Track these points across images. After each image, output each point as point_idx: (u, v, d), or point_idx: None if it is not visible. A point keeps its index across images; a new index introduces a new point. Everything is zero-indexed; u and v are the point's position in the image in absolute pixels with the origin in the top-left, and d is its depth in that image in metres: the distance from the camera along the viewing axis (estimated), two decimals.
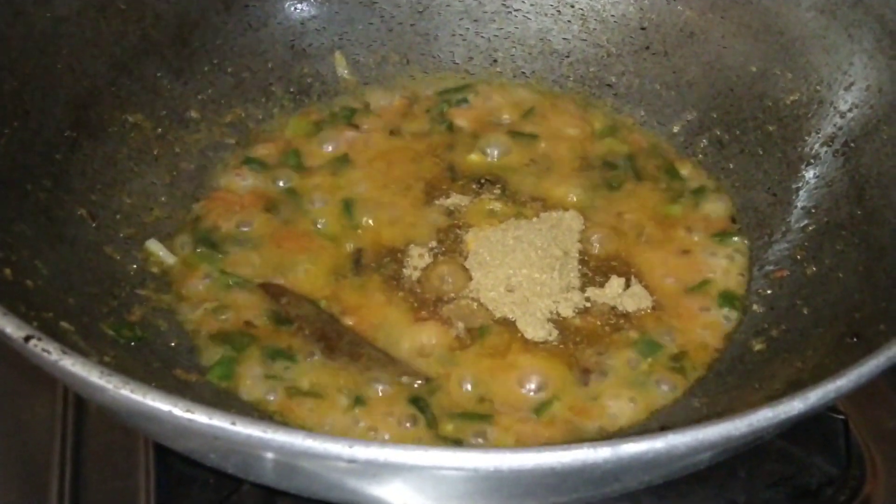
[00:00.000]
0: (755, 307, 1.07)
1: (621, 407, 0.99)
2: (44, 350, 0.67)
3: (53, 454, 1.03)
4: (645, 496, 0.99)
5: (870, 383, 0.74)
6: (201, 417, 0.64)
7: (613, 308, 1.07)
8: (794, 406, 0.69)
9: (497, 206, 1.17)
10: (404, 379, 0.99)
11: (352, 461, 0.63)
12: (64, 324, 0.88)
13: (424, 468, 0.64)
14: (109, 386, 0.65)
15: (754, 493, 1.02)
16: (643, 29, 1.29)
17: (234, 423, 0.63)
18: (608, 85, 1.30)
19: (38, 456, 1.03)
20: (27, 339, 0.68)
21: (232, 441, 0.64)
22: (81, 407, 1.07)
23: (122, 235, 1.07)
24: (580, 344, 1.04)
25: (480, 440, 0.95)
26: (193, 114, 1.20)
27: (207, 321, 1.03)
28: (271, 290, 1.07)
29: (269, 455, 0.67)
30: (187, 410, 0.64)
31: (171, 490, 1.00)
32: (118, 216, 1.08)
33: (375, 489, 0.73)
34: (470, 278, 1.08)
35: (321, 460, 0.64)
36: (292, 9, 1.29)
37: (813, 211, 1.11)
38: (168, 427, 0.67)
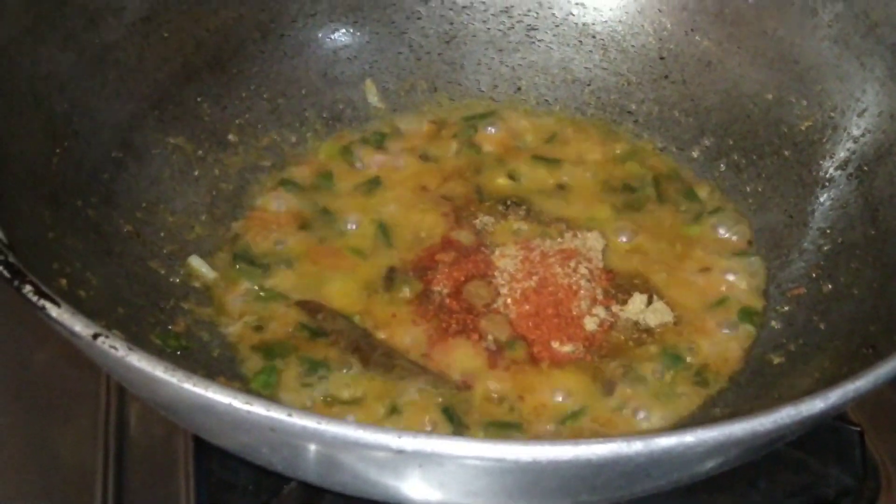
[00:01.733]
0: (773, 323, 1.11)
1: (645, 417, 1.02)
2: (111, 347, 0.71)
3: (97, 462, 1.06)
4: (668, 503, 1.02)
5: (886, 391, 0.77)
6: (259, 409, 0.67)
7: (636, 323, 1.10)
8: (816, 405, 0.72)
9: (523, 226, 1.21)
10: (436, 389, 1.03)
11: (400, 451, 0.66)
12: (115, 332, 0.90)
13: (466, 458, 0.68)
14: (174, 380, 0.68)
15: (774, 502, 1.04)
16: (662, 58, 1.33)
17: (290, 415, 0.67)
18: (629, 112, 1.34)
19: (81, 464, 1.06)
20: (95, 336, 0.72)
21: (287, 433, 0.68)
22: (123, 416, 1.10)
23: (165, 251, 1.11)
24: (605, 357, 1.07)
25: None
26: (232, 137, 1.24)
27: (247, 334, 1.07)
28: (308, 307, 1.11)
29: (320, 447, 0.71)
30: (246, 402, 0.67)
31: (212, 496, 1.02)
32: (162, 233, 1.12)
33: (416, 486, 0.77)
34: (498, 294, 1.11)
35: (370, 450, 0.68)
36: (326, 39, 1.33)
37: (828, 231, 1.14)
38: (227, 420, 0.71)
